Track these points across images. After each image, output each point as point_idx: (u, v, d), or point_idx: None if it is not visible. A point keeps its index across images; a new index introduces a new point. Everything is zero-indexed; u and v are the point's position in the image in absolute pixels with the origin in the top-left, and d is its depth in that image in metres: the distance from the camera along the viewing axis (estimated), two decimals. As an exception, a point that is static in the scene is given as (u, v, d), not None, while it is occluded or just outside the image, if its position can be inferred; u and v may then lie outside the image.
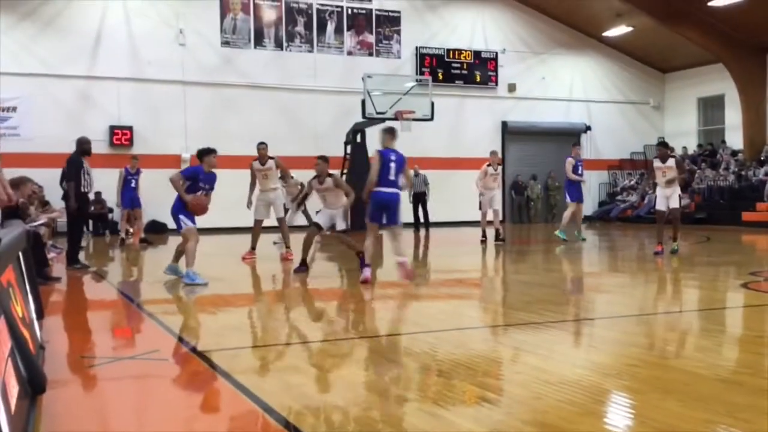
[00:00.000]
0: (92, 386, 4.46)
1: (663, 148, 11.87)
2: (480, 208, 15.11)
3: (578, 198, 15.07)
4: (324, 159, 10.10)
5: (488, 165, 14.74)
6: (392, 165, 8.58)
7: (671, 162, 11.55)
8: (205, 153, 9.37)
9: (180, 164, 20.75)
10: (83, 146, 10.85)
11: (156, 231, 19.97)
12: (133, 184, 15.77)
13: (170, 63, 20.53)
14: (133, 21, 20.33)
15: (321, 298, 8.18)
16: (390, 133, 8.82)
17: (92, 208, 17.18)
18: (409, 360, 4.91)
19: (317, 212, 10.91)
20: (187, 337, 5.70)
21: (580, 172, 15.00)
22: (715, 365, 4.62)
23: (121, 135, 20.04)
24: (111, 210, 19.61)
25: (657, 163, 11.76)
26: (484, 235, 15.07)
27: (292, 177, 14.56)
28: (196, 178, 9.11)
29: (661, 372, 4.43)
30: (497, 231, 14.89)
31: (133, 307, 7.47)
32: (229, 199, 20.80)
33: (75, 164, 10.63)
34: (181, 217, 8.94)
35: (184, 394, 4.33)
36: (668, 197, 11.59)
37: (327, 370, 4.65)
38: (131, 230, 19.50)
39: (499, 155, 15.38)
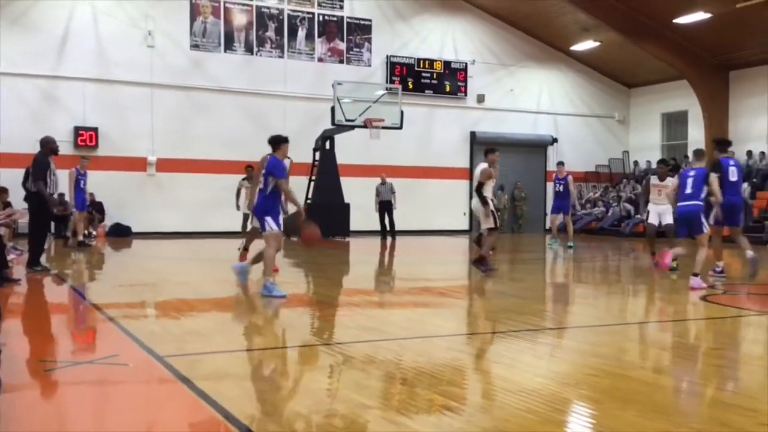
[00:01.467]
0: (50, 390, 4.38)
1: (664, 167, 11.85)
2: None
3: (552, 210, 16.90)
4: None
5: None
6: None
7: (669, 181, 11.36)
8: (284, 141, 8.68)
9: (146, 167, 20.57)
10: (51, 146, 10.61)
11: (120, 234, 19.73)
12: (82, 185, 15.37)
13: (138, 65, 20.31)
14: (101, 21, 20.08)
15: (286, 305, 8.14)
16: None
17: (55, 210, 16.87)
18: (372, 368, 4.92)
19: None
20: (149, 342, 5.63)
21: (557, 188, 16.62)
22: (673, 376, 4.70)
23: (86, 136, 19.77)
24: (73, 212, 19.31)
25: (654, 181, 11.86)
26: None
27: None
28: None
29: (620, 382, 4.50)
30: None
31: (94, 310, 7.35)
32: (196, 202, 20.74)
33: (42, 164, 10.35)
34: (267, 219, 8.25)
35: (143, 399, 4.27)
36: (661, 214, 11.66)
37: (289, 377, 4.63)
38: (94, 232, 19.23)
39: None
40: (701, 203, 9.41)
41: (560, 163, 17.51)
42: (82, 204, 15.50)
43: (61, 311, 7.66)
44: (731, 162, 10.26)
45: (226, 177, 18.93)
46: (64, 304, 8.03)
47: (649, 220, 11.85)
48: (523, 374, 4.66)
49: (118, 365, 4.79)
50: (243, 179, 15.33)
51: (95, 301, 7.91)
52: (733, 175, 10.06)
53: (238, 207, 15.54)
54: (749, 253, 9.92)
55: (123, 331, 6.02)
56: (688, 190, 9.32)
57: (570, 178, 16.47)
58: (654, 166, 25.66)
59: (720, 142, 10.74)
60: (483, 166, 10.43)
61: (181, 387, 4.27)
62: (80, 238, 15.53)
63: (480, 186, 10.25)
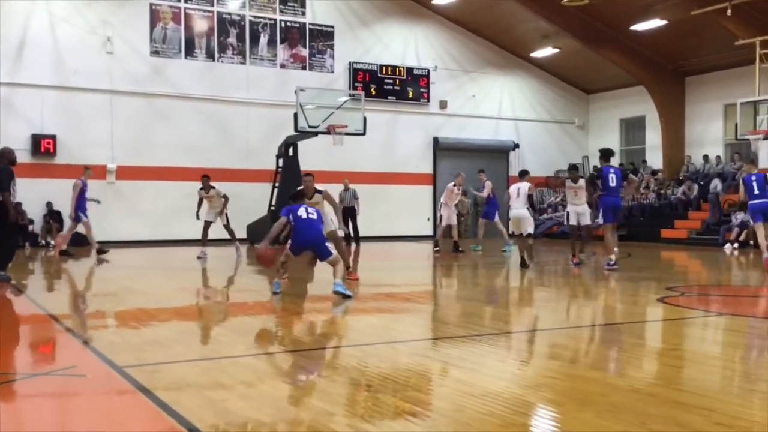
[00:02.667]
0: (5, 402, 4.29)
1: (575, 171, 13.35)
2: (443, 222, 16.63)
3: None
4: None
5: (454, 185, 16.51)
6: None
7: (581, 182, 12.92)
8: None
9: (105, 175, 20.26)
10: (11, 156, 10.78)
11: (79, 244, 19.38)
12: (87, 195, 15.98)
13: (97, 71, 20.02)
14: (59, 28, 19.76)
15: (248, 312, 8.09)
16: None
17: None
18: (336, 374, 4.91)
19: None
20: (107, 353, 5.54)
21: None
22: (631, 377, 4.78)
23: (44, 144, 19.41)
24: (32, 221, 18.93)
25: (570, 184, 13.04)
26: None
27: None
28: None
29: (579, 384, 4.56)
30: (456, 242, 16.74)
31: (52, 321, 7.22)
32: (157, 210, 20.48)
33: (7, 173, 10.43)
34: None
35: (102, 411, 4.20)
36: (580, 214, 12.90)
37: (252, 385, 4.60)
38: (52, 242, 18.86)
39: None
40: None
41: (480, 171, 18.23)
42: (85, 212, 15.91)
43: (17, 322, 7.50)
44: (611, 170, 12.27)
45: (187, 184, 18.73)
46: (21, 315, 7.86)
47: (571, 223, 13.03)
48: (486, 378, 4.70)
49: (76, 376, 4.71)
50: (200, 189, 15.24)
51: (53, 312, 7.77)
52: (612, 181, 12.13)
53: (198, 216, 15.41)
54: (616, 250, 12.42)
55: (81, 342, 5.92)
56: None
57: (488, 184, 17.15)
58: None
59: (603, 153, 12.63)
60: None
61: (140, 398, 4.21)
62: (96, 245, 15.89)
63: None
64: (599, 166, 12.76)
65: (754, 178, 12.46)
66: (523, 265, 12.60)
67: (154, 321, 7.12)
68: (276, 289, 8.67)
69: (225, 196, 15.24)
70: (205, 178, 15.35)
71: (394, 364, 5.12)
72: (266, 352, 5.82)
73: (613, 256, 12.02)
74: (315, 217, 8.83)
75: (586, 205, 12.86)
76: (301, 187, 10.44)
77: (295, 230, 8.69)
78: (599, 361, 5.47)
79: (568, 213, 13.06)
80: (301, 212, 8.71)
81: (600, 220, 12.46)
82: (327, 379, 4.78)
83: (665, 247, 19.79)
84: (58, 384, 4.60)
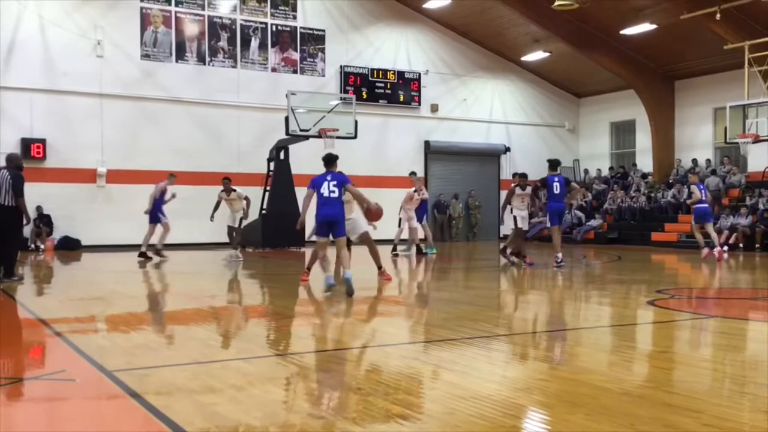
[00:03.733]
0: (-7, 409, 4.26)
1: (524, 179, 14.06)
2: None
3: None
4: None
5: (415, 191, 16.86)
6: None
7: (529, 190, 13.89)
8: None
9: (95, 178, 20.19)
10: (19, 161, 11.16)
11: (69, 248, 19.31)
12: (166, 198, 16.10)
13: (87, 75, 19.98)
14: (49, 31, 19.71)
15: (240, 316, 8.07)
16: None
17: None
18: (326, 378, 4.91)
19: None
20: (97, 357, 5.52)
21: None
22: (621, 379, 4.80)
23: (34, 148, 19.33)
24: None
25: (519, 191, 13.76)
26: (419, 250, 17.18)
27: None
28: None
29: (569, 386, 4.58)
30: (418, 245, 17.15)
31: (42, 325, 7.18)
32: (146, 215, 20.37)
33: (21, 179, 10.71)
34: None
35: (92, 416, 4.18)
36: (523, 219, 13.83)
37: (242, 389, 4.59)
38: (42, 246, 18.79)
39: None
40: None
41: (412, 173, 18.36)
42: (164, 213, 16.15)
43: (6, 326, 7.46)
44: (555, 179, 13.57)
45: (179, 188, 18.68)
46: (11, 319, 7.82)
47: (519, 225, 13.72)
48: (476, 380, 4.70)
49: (66, 381, 4.69)
50: (221, 191, 15.14)
51: (43, 316, 7.73)
52: (556, 189, 13.48)
53: (212, 218, 15.36)
54: (558, 255, 13.45)
55: (71, 346, 5.90)
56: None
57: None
58: (605, 173, 26.27)
59: (551, 163, 14.11)
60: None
61: (130, 402, 4.20)
62: (159, 247, 16.10)
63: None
64: (546, 176, 13.99)
65: (556, 179, 13.51)
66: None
67: (144, 325, 7.10)
68: (330, 282, 9.01)
69: (247, 198, 15.29)
70: (227, 180, 15.31)
71: (385, 367, 5.12)
72: (256, 355, 5.81)
73: (559, 254, 13.43)
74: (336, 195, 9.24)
75: (527, 210, 13.93)
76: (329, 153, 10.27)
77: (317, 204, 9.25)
78: (589, 364, 5.48)
79: (515, 217, 13.65)
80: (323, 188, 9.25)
81: (548, 224, 13.97)
82: (317, 383, 4.78)
83: (655, 250, 19.87)
84: (47, 388, 4.58)
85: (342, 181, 9.48)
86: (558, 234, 14.00)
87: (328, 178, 9.47)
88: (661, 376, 5.02)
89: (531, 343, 6.32)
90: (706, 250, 15.17)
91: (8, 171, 10.74)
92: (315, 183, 9.43)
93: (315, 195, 9.31)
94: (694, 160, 23.60)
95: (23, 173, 10.97)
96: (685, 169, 23.76)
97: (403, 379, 4.82)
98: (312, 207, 9.37)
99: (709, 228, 15.44)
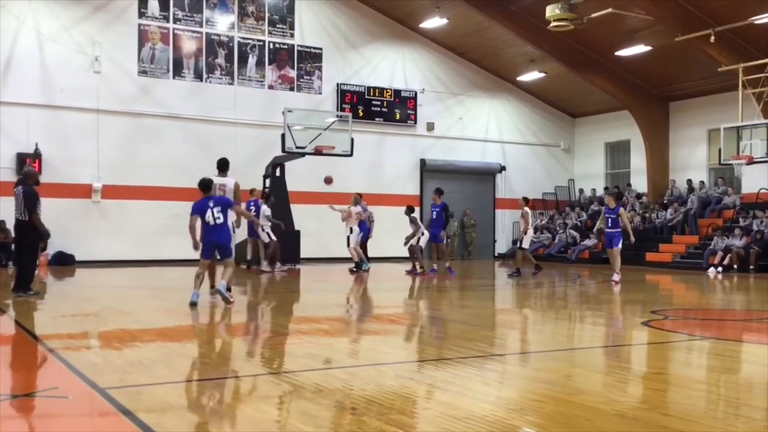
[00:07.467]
0: (-16, 426, 4.23)
1: (411, 211, 16.70)
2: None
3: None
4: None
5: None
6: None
7: (413, 216, 16.34)
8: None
9: (91, 194, 20.16)
10: (36, 177, 11.50)
11: (62, 263, 19.24)
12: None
13: (84, 90, 20.00)
14: (47, 47, 19.76)
15: (232, 334, 8.04)
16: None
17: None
18: (321, 397, 4.88)
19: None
20: (90, 374, 5.49)
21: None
22: (616, 401, 4.79)
23: (29, 163, 19.27)
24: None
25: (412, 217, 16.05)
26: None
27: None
28: None
29: (564, 407, 4.56)
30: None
31: (34, 342, 7.14)
32: (144, 230, 20.38)
33: (36, 196, 10.89)
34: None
35: (83, 433, 4.15)
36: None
37: (235, 407, 4.56)
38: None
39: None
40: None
41: (359, 195, 18.49)
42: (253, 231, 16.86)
43: (-2, 343, 7.41)
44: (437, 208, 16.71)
45: (174, 204, 18.71)
46: (2, 336, 7.77)
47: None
48: (470, 401, 4.68)
49: (58, 398, 4.65)
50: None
51: (35, 332, 7.69)
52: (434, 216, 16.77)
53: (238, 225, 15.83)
54: (435, 266, 16.69)
55: (63, 363, 5.86)
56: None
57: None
58: (600, 193, 26.35)
59: (436, 190, 16.98)
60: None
61: (123, 420, 4.17)
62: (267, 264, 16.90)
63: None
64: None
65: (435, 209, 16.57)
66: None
67: (137, 342, 7.06)
68: (194, 299, 9.23)
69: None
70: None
71: (380, 386, 5.10)
72: (251, 374, 5.78)
73: (448, 263, 17.06)
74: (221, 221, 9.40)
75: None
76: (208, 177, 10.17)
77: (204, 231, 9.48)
78: (584, 385, 5.47)
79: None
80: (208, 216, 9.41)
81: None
82: (311, 402, 4.75)
83: (650, 270, 19.89)
84: (39, 406, 4.54)
85: (226, 204, 9.56)
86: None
87: (210, 204, 9.45)
88: (655, 397, 5.01)
89: (526, 364, 6.31)
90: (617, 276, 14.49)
91: (23, 187, 10.88)
92: (196, 209, 9.46)
93: (198, 220, 9.42)
94: (689, 181, 23.70)
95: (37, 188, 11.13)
96: (679, 190, 23.87)
97: (398, 398, 4.80)
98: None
99: (615, 252, 14.64)
